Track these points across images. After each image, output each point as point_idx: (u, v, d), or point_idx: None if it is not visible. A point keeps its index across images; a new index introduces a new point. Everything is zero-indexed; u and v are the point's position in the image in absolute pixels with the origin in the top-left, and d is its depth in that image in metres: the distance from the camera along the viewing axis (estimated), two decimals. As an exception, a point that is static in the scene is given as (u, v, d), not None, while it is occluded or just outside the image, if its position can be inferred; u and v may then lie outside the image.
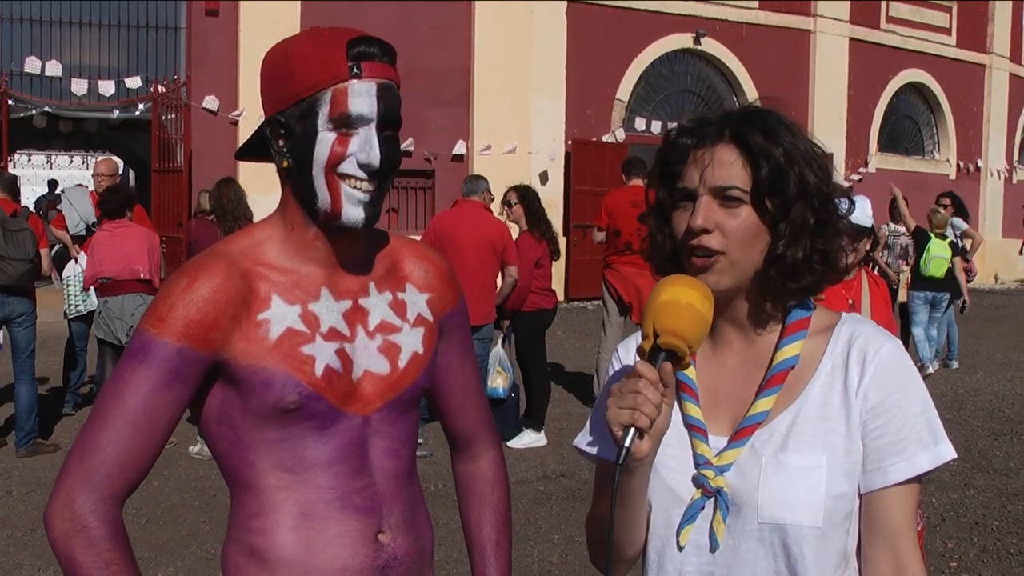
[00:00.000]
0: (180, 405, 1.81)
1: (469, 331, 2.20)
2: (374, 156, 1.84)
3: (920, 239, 12.11)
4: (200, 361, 1.80)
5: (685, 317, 1.65)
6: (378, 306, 1.97)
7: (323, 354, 1.87)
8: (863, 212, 4.40)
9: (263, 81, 1.91)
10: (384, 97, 1.85)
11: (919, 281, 12.21)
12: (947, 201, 13.03)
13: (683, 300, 1.66)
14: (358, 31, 1.87)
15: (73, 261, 9.52)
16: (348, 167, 1.84)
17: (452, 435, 2.22)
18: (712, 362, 1.86)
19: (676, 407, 1.82)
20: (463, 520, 2.23)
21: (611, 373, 1.96)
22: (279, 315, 1.85)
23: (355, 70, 1.83)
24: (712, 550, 1.77)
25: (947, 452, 1.73)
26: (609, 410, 1.63)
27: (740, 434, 1.76)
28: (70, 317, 9.67)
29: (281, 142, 1.88)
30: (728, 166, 1.72)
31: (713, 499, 1.76)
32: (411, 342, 1.99)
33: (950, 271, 12.13)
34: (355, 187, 1.85)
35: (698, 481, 1.77)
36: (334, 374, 1.87)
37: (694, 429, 1.81)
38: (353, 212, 1.86)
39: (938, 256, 12.00)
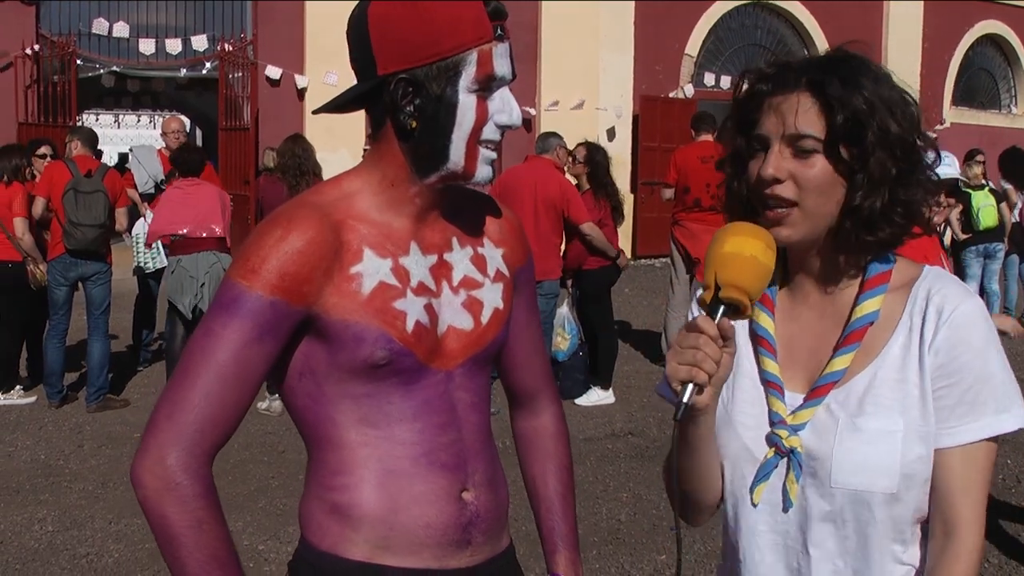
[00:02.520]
0: (270, 360, 1.77)
1: (535, 287, 2.18)
2: (516, 116, 1.86)
3: (960, 196, 11.78)
4: (293, 315, 1.75)
5: (748, 270, 1.63)
6: (461, 261, 1.95)
7: (414, 309, 1.84)
8: (949, 165, 4.27)
9: (380, 34, 1.78)
10: (512, 54, 1.85)
11: (972, 236, 11.93)
12: (981, 158, 12.69)
13: (746, 252, 1.63)
14: None
15: (142, 219, 9.57)
16: (489, 132, 1.84)
17: (515, 391, 2.20)
18: (790, 316, 1.81)
19: (753, 362, 1.81)
20: (526, 476, 2.21)
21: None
22: (372, 268, 1.81)
23: (499, 31, 1.80)
24: (785, 510, 1.75)
25: (1011, 422, 1.67)
26: (668, 364, 1.64)
27: (816, 392, 1.72)
28: (141, 274, 9.75)
29: (408, 102, 1.80)
30: (803, 114, 1.67)
31: (786, 459, 1.73)
32: (492, 298, 1.98)
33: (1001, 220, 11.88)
34: (490, 148, 1.85)
35: (771, 440, 1.75)
36: (423, 329, 1.85)
37: (770, 386, 1.77)
38: (485, 171, 1.87)
39: (985, 205, 11.73)
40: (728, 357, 1.64)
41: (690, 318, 1.90)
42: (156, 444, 1.71)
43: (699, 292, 1.73)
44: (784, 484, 1.74)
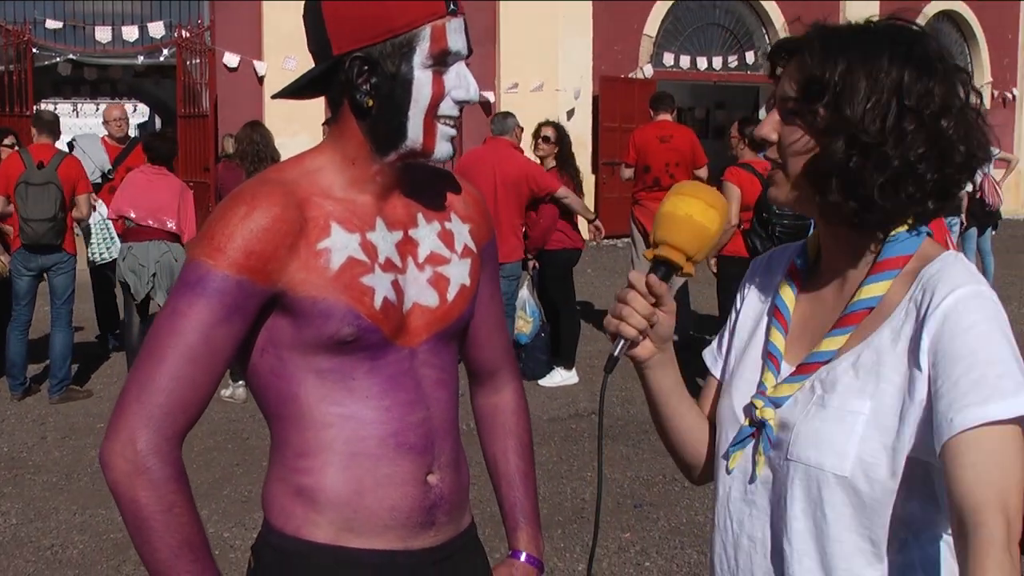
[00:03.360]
0: (238, 339, 1.76)
1: (498, 262, 2.17)
2: (473, 90, 1.86)
3: None
4: (259, 294, 1.74)
5: (683, 229, 1.70)
6: (427, 237, 1.95)
7: (382, 285, 1.84)
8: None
9: (331, 15, 1.79)
10: (467, 29, 1.85)
11: None
12: None
13: (680, 211, 1.69)
14: None
15: (92, 210, 9.45)
16: (446, 107, 1.84)
17: (476, 367, 2.20)
18: (815, 290, 1.79)
19: (763, 332, 1.82)
20: (487, 453, 2.22)
21: None
22: (340, 243, 1.81)
23: (451, 6, 1.80)
24: (751, 480, 1.74)
25: (1019, 406, 1.47)
26: (605, 319, 1.73)
27: (802, 369, 1.70)
28: (96, 265, 9.67)
29: (364, 80, 1.80)
30: (787, 78, 1.67)
31: (759, 429, 1.72)
32: (459, 273, 1.97)
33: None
34: (449, 124, 1.85)
35: (748, 410, 1.74)
36: (390, 306, 1.85)
37: (769, 357, 1.77)
38: (444, 148, 1.86)
39: None
40: (665, 315, 1.72)
41: None
42: (126, 427, 1.69)
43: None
44: (753, 455, 1.74)
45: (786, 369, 1.74)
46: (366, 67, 1.79)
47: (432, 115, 1.82)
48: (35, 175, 8.13)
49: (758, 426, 1.72)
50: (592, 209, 9.04)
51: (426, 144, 1.84)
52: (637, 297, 1.70)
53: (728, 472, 1.78)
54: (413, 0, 1.77)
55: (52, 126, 8.85)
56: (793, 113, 1.66)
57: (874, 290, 1.66)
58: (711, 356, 1.97)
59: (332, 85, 1.84)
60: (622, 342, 1.72)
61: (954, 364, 1.52)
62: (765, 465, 1.71)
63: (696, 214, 1.69)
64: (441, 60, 1.80)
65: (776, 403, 1.71)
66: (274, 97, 2.03)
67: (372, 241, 1.85)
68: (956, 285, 1.57)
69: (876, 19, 1.70)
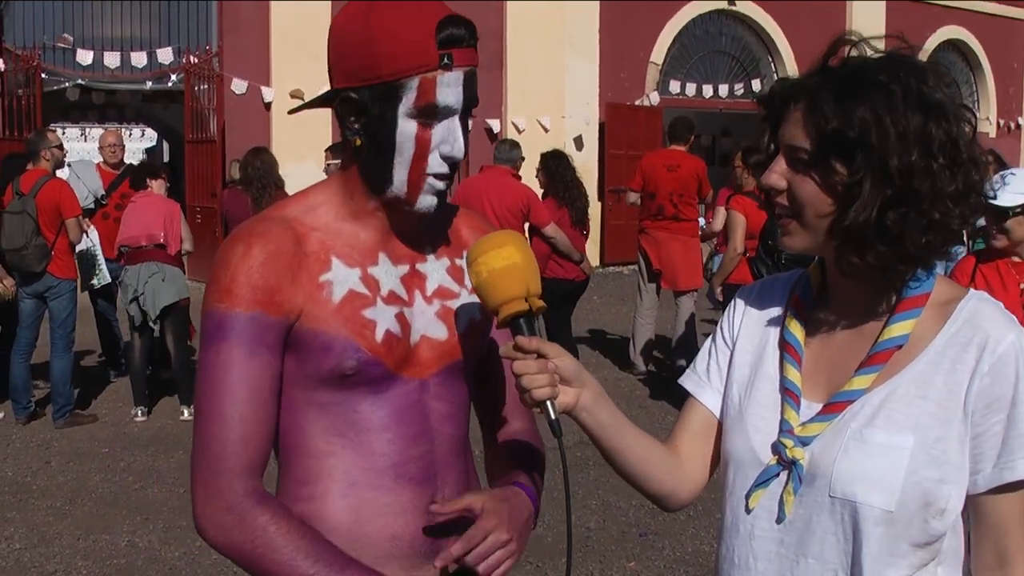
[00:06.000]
0: (274, 369, 1.78)
1: None
2: (458, 149, 1.81)
3: None
4: (276, 325, 1.77)
5: (497, 285, 1.71)
6: (436, 271, 1.95)
7: (384, 318, 1.84)
8: (1015, 188, 4.13)
9: (334, 48, 1.80)
10: (469, 85, 1.80)
11: None
12: (991, 158, 12.78)
13: (484, 276, 1.72)
14: (445, 7, 1.77)
15: (84, 235, 9.41)
16: (435, 164, 1.81)
17: (487, 411, 2.15)
18: (826, 325, 1.78)
19: (777, 367, 1.80)
20: (492, 475, 2.10)
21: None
22: (341, 277, 1.82)
23: (445, 60, 1.75)
24: (779, 520, 1.72)
25: None
26: (519, 400, 1.73)
27: (831, 408, 1.70)
28: (93, 290, 9.66)
29: (354, 120, 1.80)
30: (796, 126, 1.65)
31: (787, 470, 1.71)
32: (469, 308, 1.95)
33: None
34: (436, 178, 1.82)
35: (776, 448, 1.73)
36: (394, 339, 1.85)
37: (788, 393, 1.75)
38: (427, 201, 1.84)
39: None
40: (559, 359, 1.70)
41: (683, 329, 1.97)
42: (202, 488, 1.75)
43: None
44: (781, 494, 1.71)
45: (808, 406, 1.73)
46: (355, 107, 1.79)
47: (420, 170, 1.81)
48: (15, 203, 8.20)
49: (788, 466, 1.71)
50: (590, 241, 8.89)
51: (409, 196, 1.83)
52: (524, 364, 1.69)
53: (748, 511, 1.76)
54: (406, 48, 1.74)
55: (37, 150, 8.67)
56: (807, 165, 1.64)
57: (902, 328, 1.68)
58: (693, 381, 1.94)
59: (335, 111, 1.85)
60: (547, 404, 1.70)
61: (1017, 410, 1.60)
62: (795, 504, 1.70)
63: (495, 264, 1.70)
64: (428, 113, 1.77)
65: (804, 442, 1.70)
66: (291, 112, 2.07)
67: (374, 275, 1.86)
68: (1009, 329, 1.64)
69: (879, 47, 1.71)
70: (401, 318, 1.87)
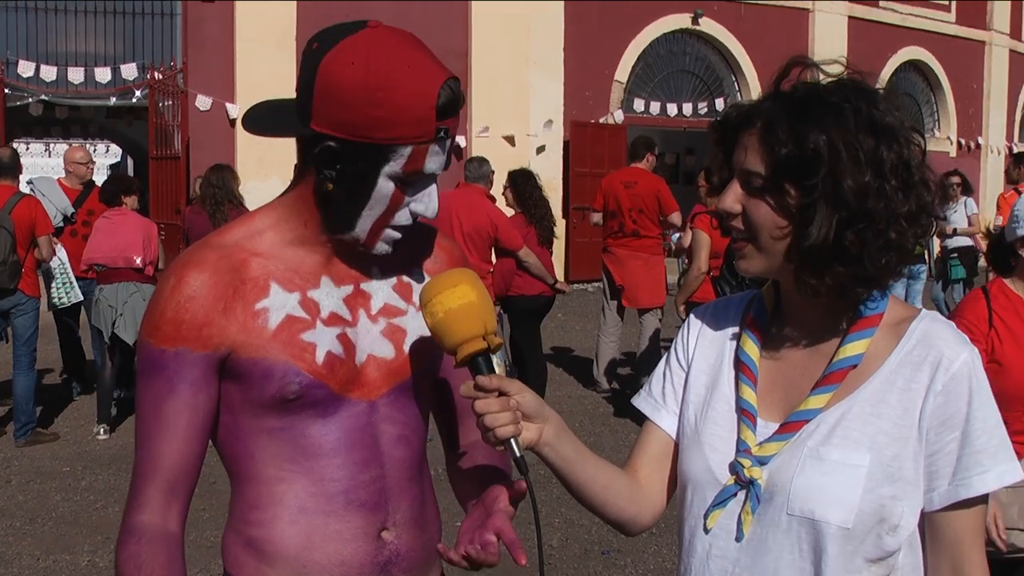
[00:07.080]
0: (193, 406, 1.81)
1: None
2: (431, 209, 1.83)
3: None
4: (202, 360, 1.79)
5: (453, 326, 1.69)
6: (380, 289, 1.94)
7: (324, 340, 1.84)
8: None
9: (323, 92, 1.72)
10: (449, 147, 1.81)
11: None
12: (957, 180, 12.92)
13: (439, 316, 1.71)
14: (443, 70, 1.75)
15: (53, 253, 9.34)
16: (401, 217, 1.82)
17: (451, 432, 2.15)
18: (781, 344, 1.80)
19: (732, 387, 1.82)
20: (461, 496, 2.07)
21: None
22: (278, 303, 1.82)
23: (441, 134, 1.75)
24: (737, 539, 1.74)
25: (1017, 472, 1.66)
26: (482, 438, 1.72)
27: (787, 427, 1.72)
28: (57, 309, 9.52)
29: (330, 166, 1.77)
30: (751, 152, 1.67)
31: (745, 489, 1.73)
32: (417, 325, 1.91)
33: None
34: (397, 229, 1.84)
35: (734, 468, 1.74)
36: (336, 360, 1.84)
37: (744, 413, 1.77)
38: (381, 247, 1.86)
39: None
40: (520, 396, 1.69)
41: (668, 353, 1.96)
42: (125, 516, 1.82)
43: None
44: (740, 514, 1.73)
45: (765, 425, 1.75)
46: (334, 156, 1.76)
47: (385, 223, 1.82)
48: None
49: (745, 485, 1.72)
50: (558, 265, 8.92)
51: (368, 242, 1.84)
52: (485, 403, 1.67)
53: (706, 531, 1.78)
54: (407, 119, 1.71)
55: (11, 166, 8.64)
56: (761, 189, 1.67)
57: (856, 348, 1.71)
58: (650, 404, 1.95)
59: (306, 145, 1.80)
60: (510, 442, 1.68)
61: (970, 427, 1.64)
62: (753, 523, 1.72)
63: (450, 304, 1.69)
64: (412, 177, 1.78)
65: (762, 462, 1.72)
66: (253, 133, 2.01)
67: (313, 298, 1.86)
68: (961, 348, 1.67)
69: (833, 74, 1.72)
70: (344, 339, 1.86)
